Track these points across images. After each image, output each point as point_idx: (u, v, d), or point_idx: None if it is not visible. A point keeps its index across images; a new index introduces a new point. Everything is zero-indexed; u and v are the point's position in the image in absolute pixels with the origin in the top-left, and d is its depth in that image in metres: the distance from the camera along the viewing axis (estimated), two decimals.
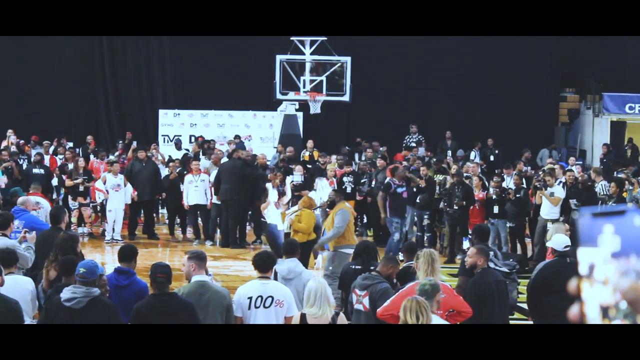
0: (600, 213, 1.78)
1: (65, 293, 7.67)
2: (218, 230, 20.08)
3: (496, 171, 21.17)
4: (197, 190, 19.61)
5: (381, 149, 22.89)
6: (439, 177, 19.38)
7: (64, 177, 20.33)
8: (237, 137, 25.72)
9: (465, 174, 19.05)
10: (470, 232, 16.44)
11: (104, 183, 19.61)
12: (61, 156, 22.29)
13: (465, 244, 17.69)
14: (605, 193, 17.14)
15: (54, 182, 20.89)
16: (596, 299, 1.77)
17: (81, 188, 19.94)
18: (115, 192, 19.53)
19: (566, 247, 9.78)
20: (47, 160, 22.16)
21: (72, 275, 8.41)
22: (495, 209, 17.80)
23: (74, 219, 19.42)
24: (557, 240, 9.89)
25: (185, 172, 20.18)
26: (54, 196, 20.99)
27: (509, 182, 18.83)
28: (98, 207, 20.58)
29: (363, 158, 23.35)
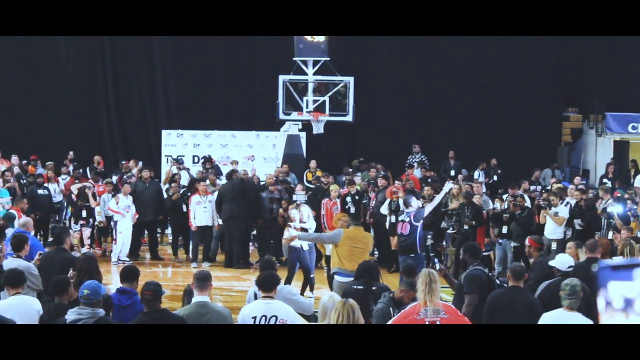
0: (618, 266, 1.77)
1: (71, 315, 7.65)
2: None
3: (499, 191, 21.12)
4: (205, 211, 19.55)
5: (380, 171, 22.81)
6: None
7: (73, 196, 20.37)
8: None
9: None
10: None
11: (117, 204, 19.57)
12: (65, 176, 22.24)
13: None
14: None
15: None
16: None
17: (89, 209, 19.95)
18: (126, 213, 19.54)
19: (570, 267, 9.78)
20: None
21: (64, 294, 8.41)
22: (504, 229, 17.75)
23: (75, 240, 19.37)
24: (561, 260, 9.89)
25: (189, 194, 20.15)
26: (59, 217, 21.06)
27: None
28: (96, 227, 20.50)
29: (358, 175, 23.25)
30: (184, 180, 22.62)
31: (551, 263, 10.18)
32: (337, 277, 12.67)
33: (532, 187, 21.81)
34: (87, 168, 24.06)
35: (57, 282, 8.64)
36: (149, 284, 8.13)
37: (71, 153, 25.28)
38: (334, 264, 12.90)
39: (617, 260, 11.58)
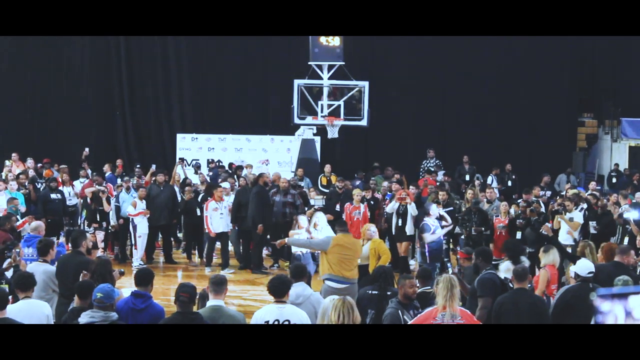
0: (618, 294, 1.75)
1: (84, 318, 7.66)
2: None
3: (514, 196, 20.99)
4: (222, 217, 19.34)
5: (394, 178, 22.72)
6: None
7: (88, 199, 20.38)
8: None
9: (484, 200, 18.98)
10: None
11: (135, 208, 19.54)
12: (83, 179, 22.23)
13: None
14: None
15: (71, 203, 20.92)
16: None
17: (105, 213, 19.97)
18: (143, 217, 19.52)
19: (589, 273, 9.77)
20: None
21: (88, 298, 8.41)
22: (519, 235, 17.68)
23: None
24: (581, 265, 9.92)
25: (208, 198, 19.99)
26: (73, 220, 21.05)
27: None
28: (110, 230, 20.44)
29: (372, 179, 23.15)
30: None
31: (572, 269, 10.21)
32: (328, 283, 12.53)
33: (541, 192, 21.71)
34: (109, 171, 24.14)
35: (82, 286, 8.65)
36: (185, 286, 8.15)
37: (87, 150, 25.25)
38: (323, 270, 12.66)
39: (617, 288, 11.61)
